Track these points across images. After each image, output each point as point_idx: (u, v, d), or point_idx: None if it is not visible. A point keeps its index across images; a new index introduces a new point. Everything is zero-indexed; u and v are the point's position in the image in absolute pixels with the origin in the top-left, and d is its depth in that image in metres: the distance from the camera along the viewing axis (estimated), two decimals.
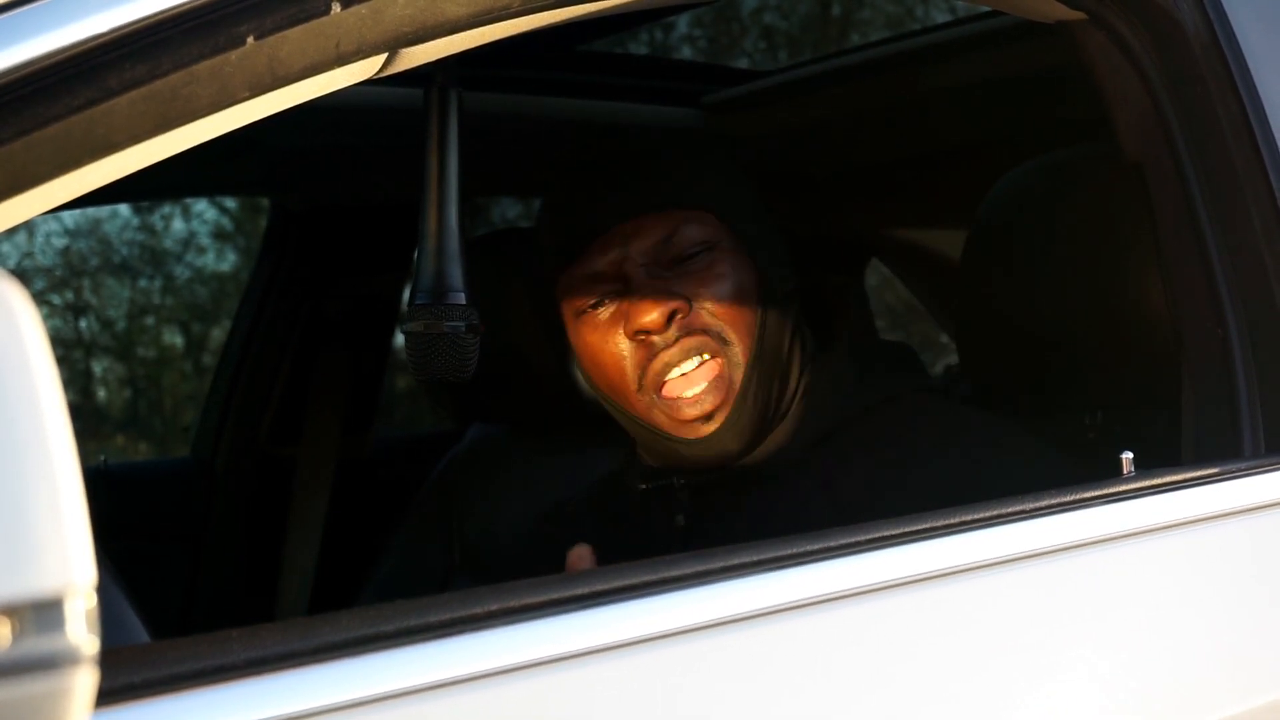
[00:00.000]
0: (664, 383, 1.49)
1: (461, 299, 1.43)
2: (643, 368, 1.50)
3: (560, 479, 1.89)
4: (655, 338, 1.49)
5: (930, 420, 1.51)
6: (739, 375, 1.50)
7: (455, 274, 1.43)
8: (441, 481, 2.04)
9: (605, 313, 1.52)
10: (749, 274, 1.53)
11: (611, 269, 1.52)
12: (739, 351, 1.50)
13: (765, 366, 1.51)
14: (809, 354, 1.56)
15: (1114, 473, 1.27)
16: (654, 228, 1.52)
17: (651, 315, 1.48)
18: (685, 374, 1.49)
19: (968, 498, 1.36)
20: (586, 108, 2.49)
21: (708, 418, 1.50)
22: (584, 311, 1.54)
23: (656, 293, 1.49)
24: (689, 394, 1.49)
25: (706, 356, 1.49)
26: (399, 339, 2.85)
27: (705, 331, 1.49)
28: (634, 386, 1.51)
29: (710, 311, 1.50)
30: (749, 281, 1.52)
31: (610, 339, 1.52)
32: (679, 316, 1.49)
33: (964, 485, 1.41)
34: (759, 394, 1.51)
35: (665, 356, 1.49)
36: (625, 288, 1.51)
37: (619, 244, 1.52)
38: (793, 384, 1.54)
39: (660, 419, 1.51)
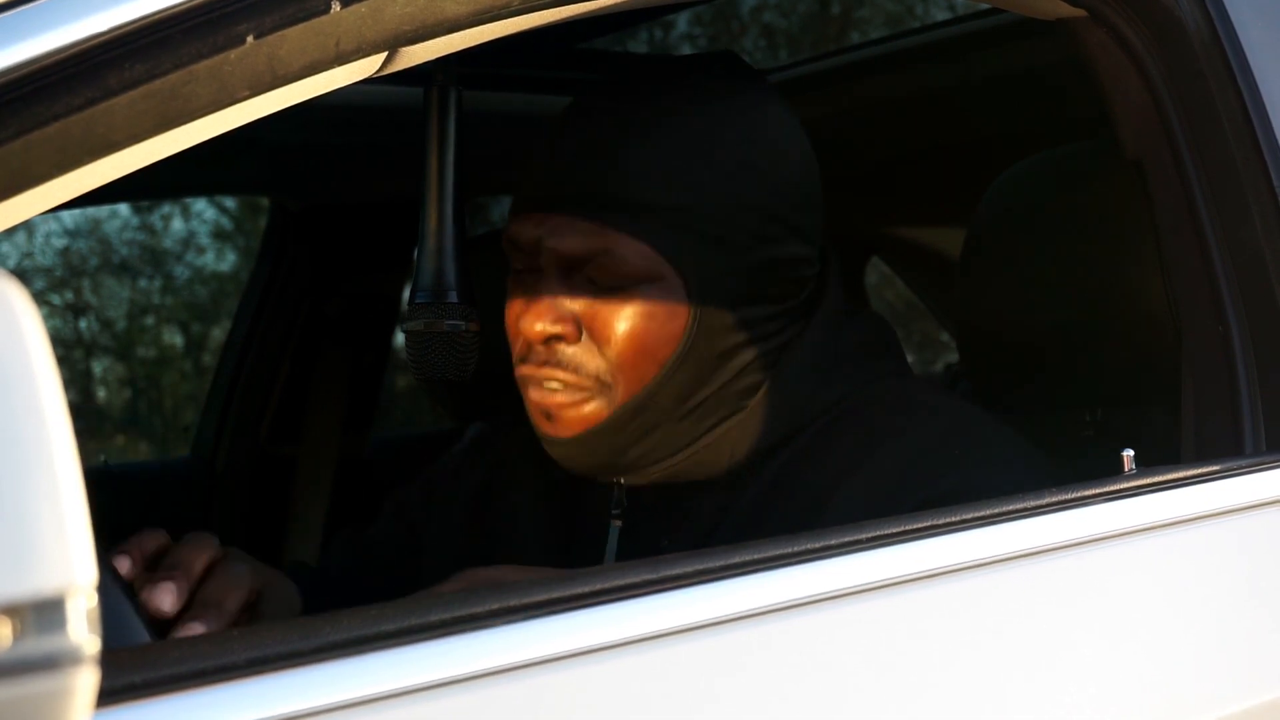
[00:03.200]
0: (525, 382, 1.38)
1: (458, 298, 1.43)
2: (519, 359, 1.38)
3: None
4: (535, 347, 1.36)
5: (883, 409, 1.39)
6: (608, 413, 1.35)
7: (455, 273, 1.43)
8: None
9: (516, 285, 1.39)
10: (674, 320, 1.33)
11: (529, 244, 1.36)
12: (621, 394, 1.34)
13: (655, 412, 1.35)
14: (761, 373, 1.38)
15: (1114, 470, 1.27)
16: (579, 238, 1.33)
17: (534, 327, 1.34)
18: (542, 390, 1.36)
19: (918, 479, 1.32)
20: None
21: (549, 417, 1.36)
22: (511, 270, 1.40)
23: (549, 306, 1.34)
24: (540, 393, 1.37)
25: (573, 393, 1.35)
26: (399, 339, 2.85)
27: (582, 372, 1.34)
28: (517, 358, 1.39)
29: (602, 353, 1.34)
30: (669, 329, 1.33)
31: (511, 308, 1.39)
32: (562, 343, 1.34)
33: (914, 469, 1.33)
34: (638, 432, 1.35)
35: (529, 370, 1.36)
36: (537, 276, 1.37)
37: (540, 230, 1.35)
38: (723, 411, 1.37)
39: (526, 395, 1.39)
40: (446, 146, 1.43)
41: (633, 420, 1.35)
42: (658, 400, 1.35)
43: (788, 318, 1.40)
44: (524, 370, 1.38)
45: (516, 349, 1.39)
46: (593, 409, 1.35)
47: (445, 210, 1.42)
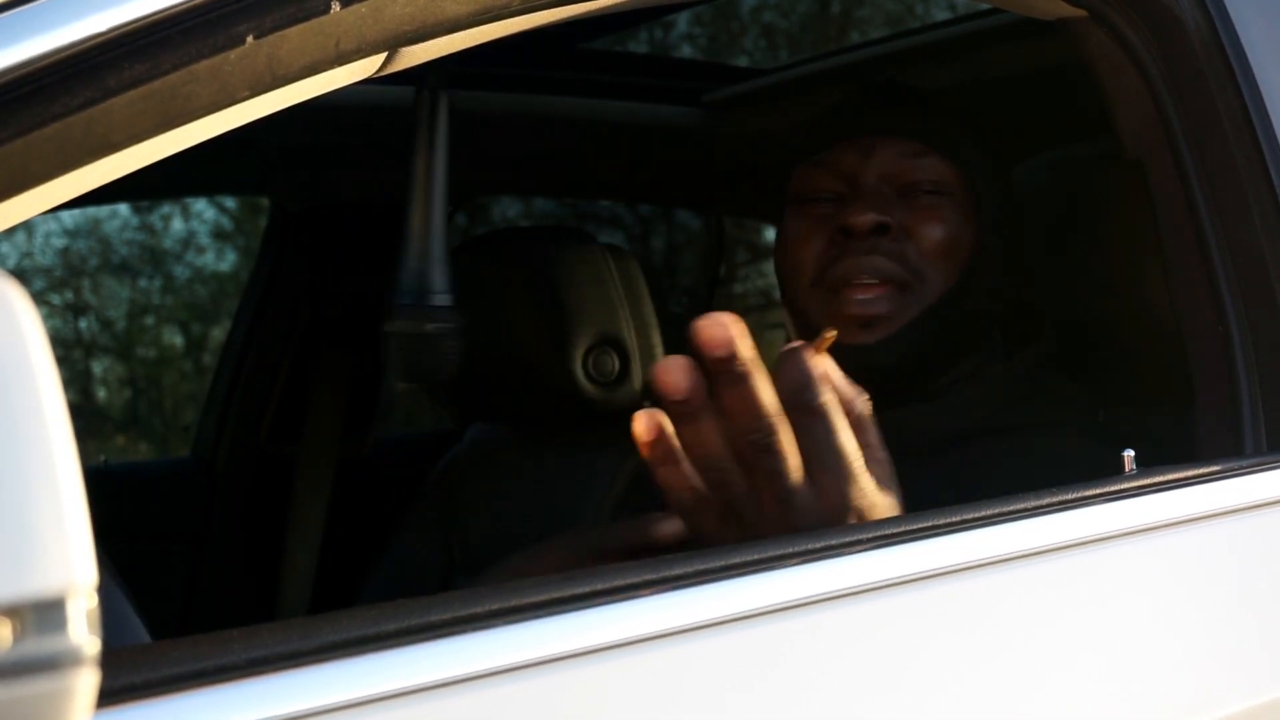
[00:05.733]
0: (842, 287, 1.54)
1: (445, 300, 1.43)
2: (829, 265, 1.55)
3: (561, 479, 1.89)
4: (855, 242, 1.54)
5: (1077, 454, 1.51)
6: (919, 310, 1.54)
7: (439, 276, 1.43)
8: (441, 481, 2.03)
9: (822, 209, 1.59)
10: (970, 234, 1.58)
11: (848, 170, 1.59)
12: (932, 291, 1.55)
13: (949, 318, 1.55)
14: (991, 347, 1.60)
15: (1115, 471, 1.27)
16: (901, 146, 1.59)
17: (863, 218, 1.53)
18: (865, 287, 1.53)
19: None
20: (587, 106, 2.49)
21: (867, 324, 1.53)
22: (805, 201, 1.61)
23: (875, 204, 1.56)
24: (858, 297, 1.53)
25: (892, 285, 1.54)
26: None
27: (903, 263, 1.54)
28: (812, 279, 1.57)
29: (917, 248, 1.55)
30: (967, 239, 1.57)
31: (814, 231, 1.58)
32: (886, 235, 1.54)
33: None
34: (931, 338, 1.54)
35: (853, 263, 1.54)
36: (851, 194, 1.58)
37: (864, 151, 1.59)
38: (963, 358, 1.58)
39: (823, 315, 1.56)
40: (435, 149, 1.43)
41: (934, 319, 1.54)
42: (954, 303, 1.55)
43: (1007, 332, 1.62)
44: (846, 263, 1.54)
45: (821, 260, 1.56)
46: (906, 308, 1.54)
47: (432, 213, 1.43)
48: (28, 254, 6.99)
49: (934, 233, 1.57)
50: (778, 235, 1.64)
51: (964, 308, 1.57)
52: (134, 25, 0.95)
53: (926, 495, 1.47)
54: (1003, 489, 1.42)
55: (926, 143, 1.60)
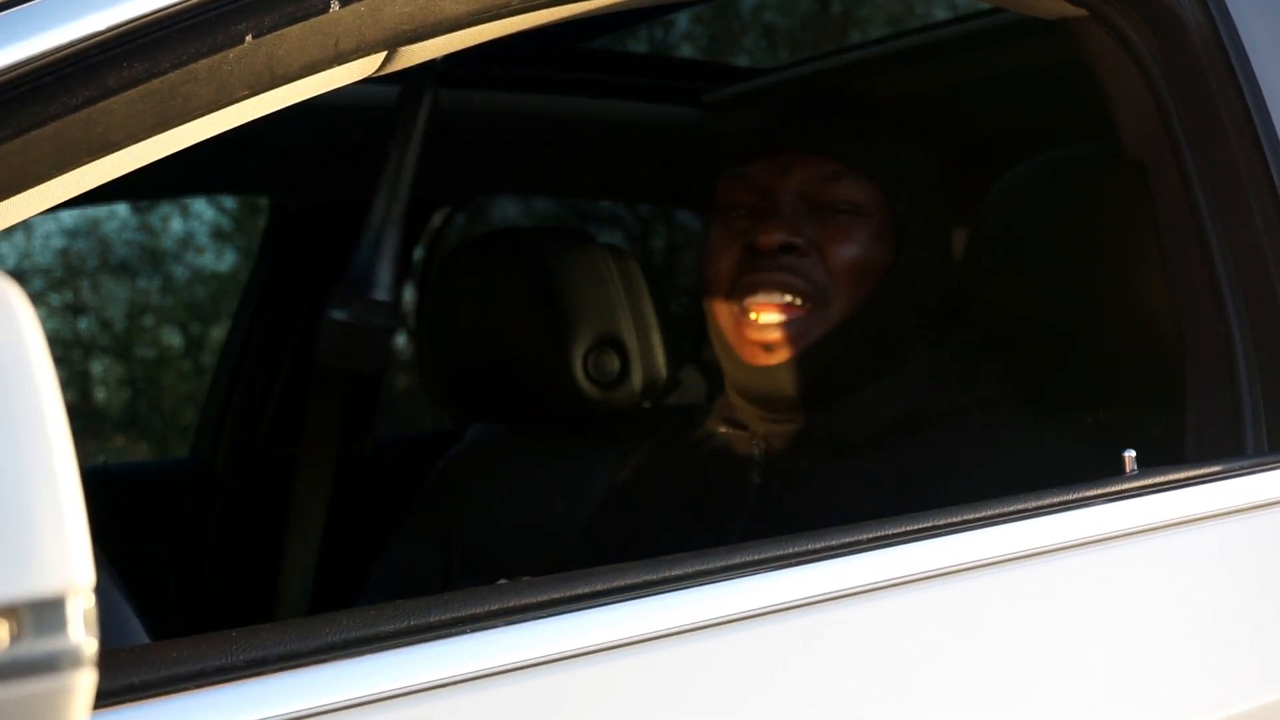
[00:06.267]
0: (746, 299, 1.56)
1: (386, 296, 1.43)
2: (738, 279, 1.57)
3: (561, 479, 1.89)
4: (763, 259, 1.55)
5: (1013, 438, 1.53)
6: (822, 332, 1.55)
7: (386, 271, 1.44)
8: (442, 481, 2.03)
9: (739, 222, 1.60)
10: (884, 254, 1.58)
11: (765, 185, 1.60)
12: (835, 313, 1.56)
13: (857, 338, 1.56)
14: (918, 342, 1.60)
15: (1116, 471, 1.27)
16: (819, 167, 1.59)
17: (771, 237, 1.55)
18: (769, 303, 1.55)
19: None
20: (587, 106, 2.49)
21: (768, 348, 1.55)
22: (724, 212, 1.62)
23: (786, 223, 1.56)
24: (761, 319, 1.55)
25: (797, 301, 1.55)
26: (399, 339, 2.84)
27: (810, 280, 1.55)
28: (724, 291, 1.58)
29: (826, 267, 1.56)
30: (880, 260, 1.58)
31: (729, 244, 1.59)
32: (794, 254, 1.55)
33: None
34: (837, 359, 1.56)
35: (758, 277, 1.56)
36: (768, 210, 1.58)
37: (784, 169, 1.60)
38: (886, 363, 1.58)
39: (730, 331, 1.58)
40: (410, 146, 1.44)
41: (839, 340, 1.55)
42: (862, 324, 1.56)
43: (937, 322, 1.61)
44: (751, 278, 1.56)
45: (732, 273, 1.58)
46: (810, 329, 1.55)
47: (393, 209, 1.43)
48: (27, 254, 7.00)
49: (845, 252, 1.57)
50: (704, 240, 1.65)
51: (875, 327, 1.57)
52: (132, 24, 0.95)
53: (861, 488, 1.51)
54: (942, 477, 1.45)
55: (845, 163, 1.59)
